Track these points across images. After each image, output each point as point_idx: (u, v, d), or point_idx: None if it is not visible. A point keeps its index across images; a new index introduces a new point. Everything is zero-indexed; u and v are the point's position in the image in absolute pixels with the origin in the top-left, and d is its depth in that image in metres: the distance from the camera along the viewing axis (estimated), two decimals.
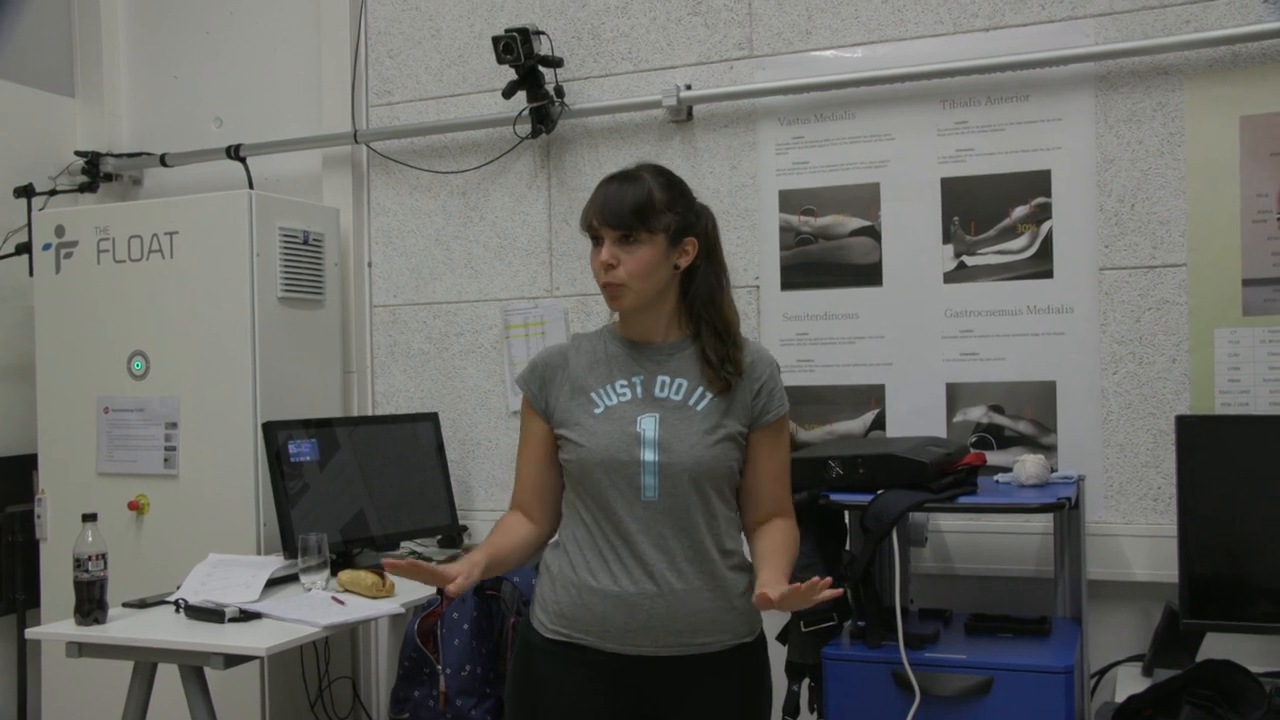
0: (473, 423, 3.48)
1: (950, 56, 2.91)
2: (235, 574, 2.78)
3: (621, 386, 2.03)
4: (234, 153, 3.65)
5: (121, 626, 2.54)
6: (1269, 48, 2.66)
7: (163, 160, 3.80)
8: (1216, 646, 2.43)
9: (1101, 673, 2.72)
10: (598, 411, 2.02)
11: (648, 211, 1.98)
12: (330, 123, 3.63)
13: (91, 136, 3.94)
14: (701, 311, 2.06)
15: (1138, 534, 2.76)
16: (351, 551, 3.09)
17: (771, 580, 1.91)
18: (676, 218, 2.01)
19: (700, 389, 2.03)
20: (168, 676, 2.52)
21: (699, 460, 1.99)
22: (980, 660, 2.36)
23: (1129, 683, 2.44)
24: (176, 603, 2.63)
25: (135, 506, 3.29)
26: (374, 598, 2.72)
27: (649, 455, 1.97)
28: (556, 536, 2.11)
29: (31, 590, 3.49)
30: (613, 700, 2.00)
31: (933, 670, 2.35)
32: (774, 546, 2.04)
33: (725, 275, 2.11)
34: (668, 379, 2.04)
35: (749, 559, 2.07)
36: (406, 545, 3.29)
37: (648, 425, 1.99)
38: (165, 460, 3.28)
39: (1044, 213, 2.86)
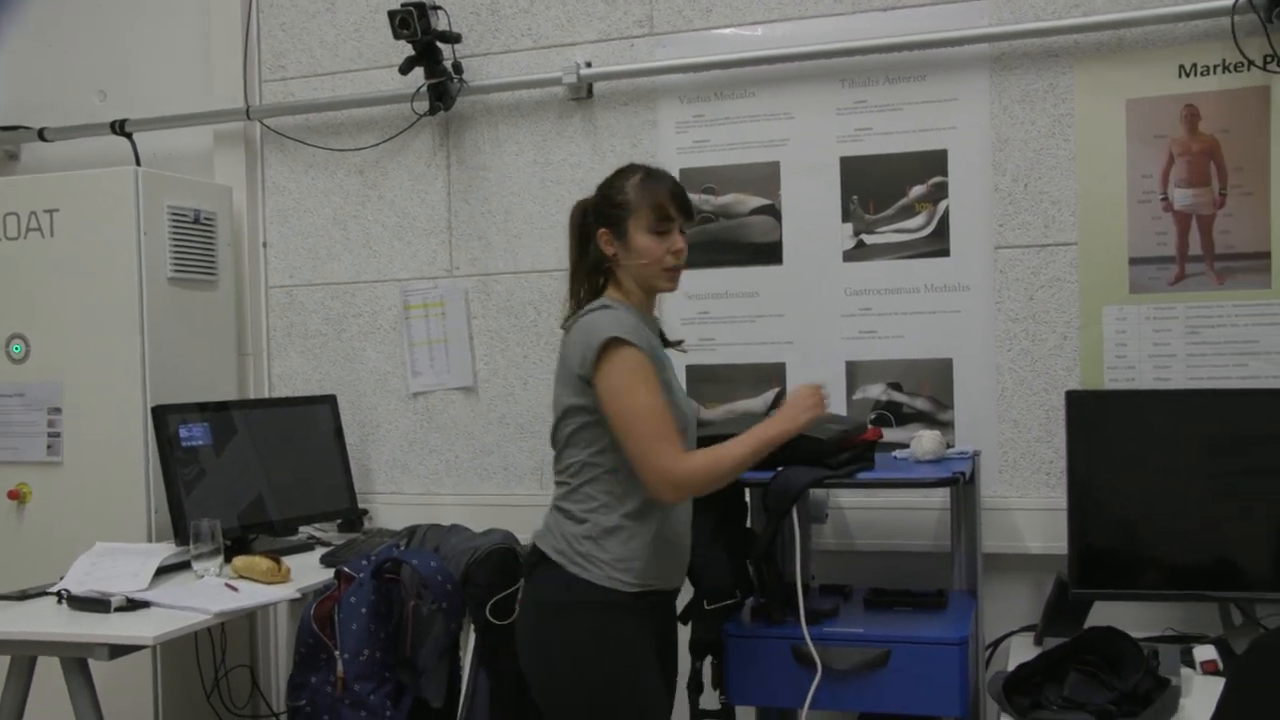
0: (372, 405, 3.42)
1: (849, 36, 2.93)
2: (123, 562, 2.69)
3: (663, 354, 2.28)
4: (119, 128, 3.52)
5: None
6: (1151, 33, 2.73)
7: (41, 134, 3.64)
8: (1104, 614, 2.50)
9: (996, 643, 2.77)
10: (673, 379, 2.28)
11: None
12: (221, 98, 3.51)
13: None
14: None
15: (1031, 507, 2.82)
16: (248, 537, 3.02)
17: None
18: None
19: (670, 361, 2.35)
20: (52, 671, 2.43)
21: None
22: (878, 634, 2.40)
23: (1022, 652, 2.49)
24: (59, 593, 2.54)
25: (15, 495, 3.17)
26: (269, 583, 2.67)
27: (690, 416, 2.31)
28: (628, 503, 2.18)
29: None
30: (664, 632, 2.31)
31: (832, 644, 2.38)
32: None
33: None
34: (666, 353, 2.33)
35: None
36: (305, 530, 3.23)
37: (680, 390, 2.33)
38: (48, 447, 3.17)
39: (941, 192, 2.90)
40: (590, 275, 2.30)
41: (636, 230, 2.21)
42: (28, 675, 2.47)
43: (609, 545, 2.17)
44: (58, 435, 3.17)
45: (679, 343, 2.46)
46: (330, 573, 2.73)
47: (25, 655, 2.44)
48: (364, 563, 2.64)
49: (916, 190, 2.91)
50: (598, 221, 2.27)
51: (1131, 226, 2.75)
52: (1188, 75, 2.72)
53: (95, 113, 3.66)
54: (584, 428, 2.18)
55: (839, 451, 2.47)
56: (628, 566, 2.17)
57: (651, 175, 2.27)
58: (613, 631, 2.16)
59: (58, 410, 3.16)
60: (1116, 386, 2.76)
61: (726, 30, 3.06)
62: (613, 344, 2.11)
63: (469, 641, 2.61)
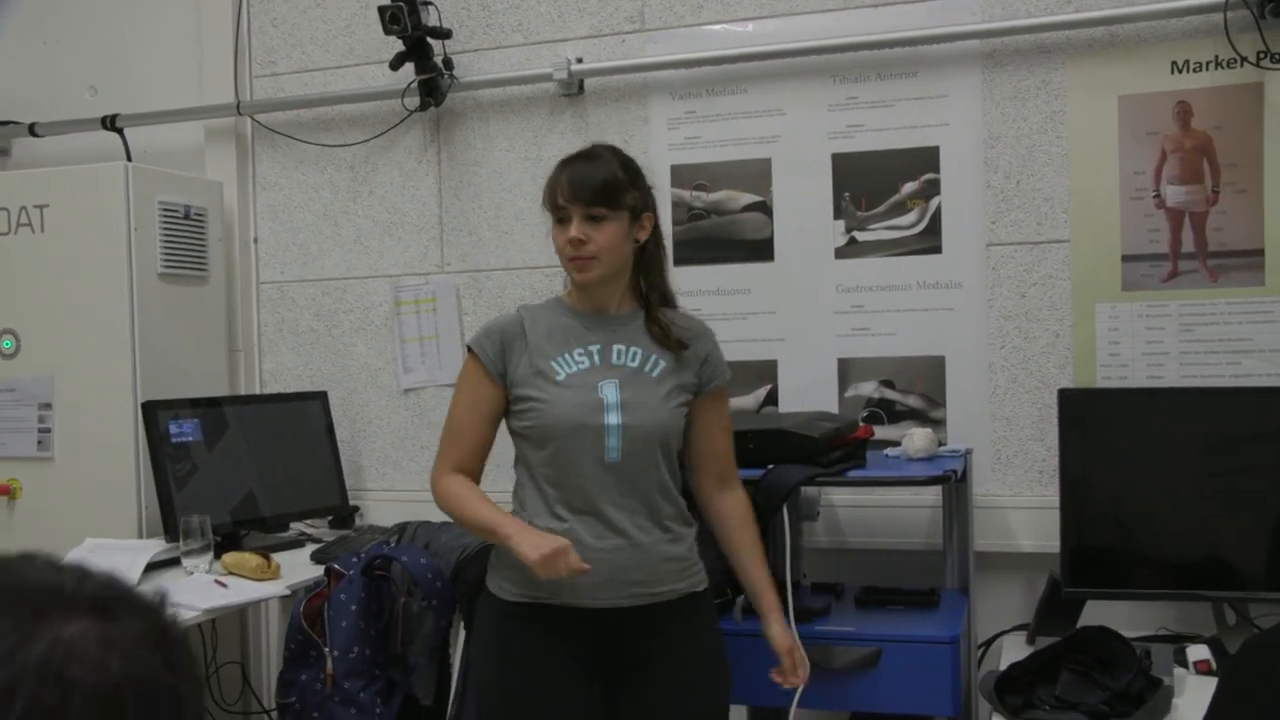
0: (363, 401, 3.41)
1: (840, 32, 2.92)
2: (113, 559, 2.66)
3: (579, 355, 2.14)
4: (110, 123, 3.51)
5: None
6: (1144, 29, 2.72)
7: (31, 129, 3.62)
8: (1096, 614, 2.49)
9: (989, 642, 2.77)
10: (559, 378, 2.11)
11: (613, 189, 2.09)
12: (212, 93, 3.50)
13: None
14: (651, 285, 2.19)
15: (1024, 506, 2.82)
16: (239, 533, 3.01)
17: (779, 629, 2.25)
18: (637, 194, 2.13)
19: (654, 357, 2.15)
20: None
21: (661, 423, 2.13)
22: (869, 632, 2.40)
23: (1014, 651, 2.48)
24: None
25: (6, 491, 3.16)
26: (259, 580, 2.66)
27: (613, 419, 2.09)
28: (521, 513, 2.16)
29: None
30: (580, 653, 2.10)
31: (823, 643, 2.38)
32: (755, 556, 2.25)
33: (665, 252, 2.25)
34: (623, 347, 2.15)
35: (687, 515, 2.22)
36: (296, 527, 3.22)
37: (609, 390, 2.10)
38: (39, 442, 3.16)
39: (933, 189, 2.89)
40: None
41: (552, 224, 2.15)
42: None
43: (500, 551, 2.15)
44: (48, 431, 3.16)
45: (681, 344, 2.17)
46: (320, 569, 2.72)
47: None
48: (354, 559, 2.63)
49: (908, 187, 2.90)
50: None
51: (1124, 224, 2.75)
52: (1180, 71, 2.71)
53: (86, 108, 3.64)
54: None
55: (830, 449, 2.47)
56: (507, 575, 2.14)
57: (562, 162, 2.16)
58: (491, 634, 2.18)
59: (48, 406, 3.15)
60: (1109, 384, 2.75)
61: (718, 26, 3.04)
62: (469, 348, 2.20)
63: (459, 639, 2.60)
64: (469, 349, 2.18)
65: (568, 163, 2.15)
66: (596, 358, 2.14)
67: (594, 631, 2.10)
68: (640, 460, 2.11)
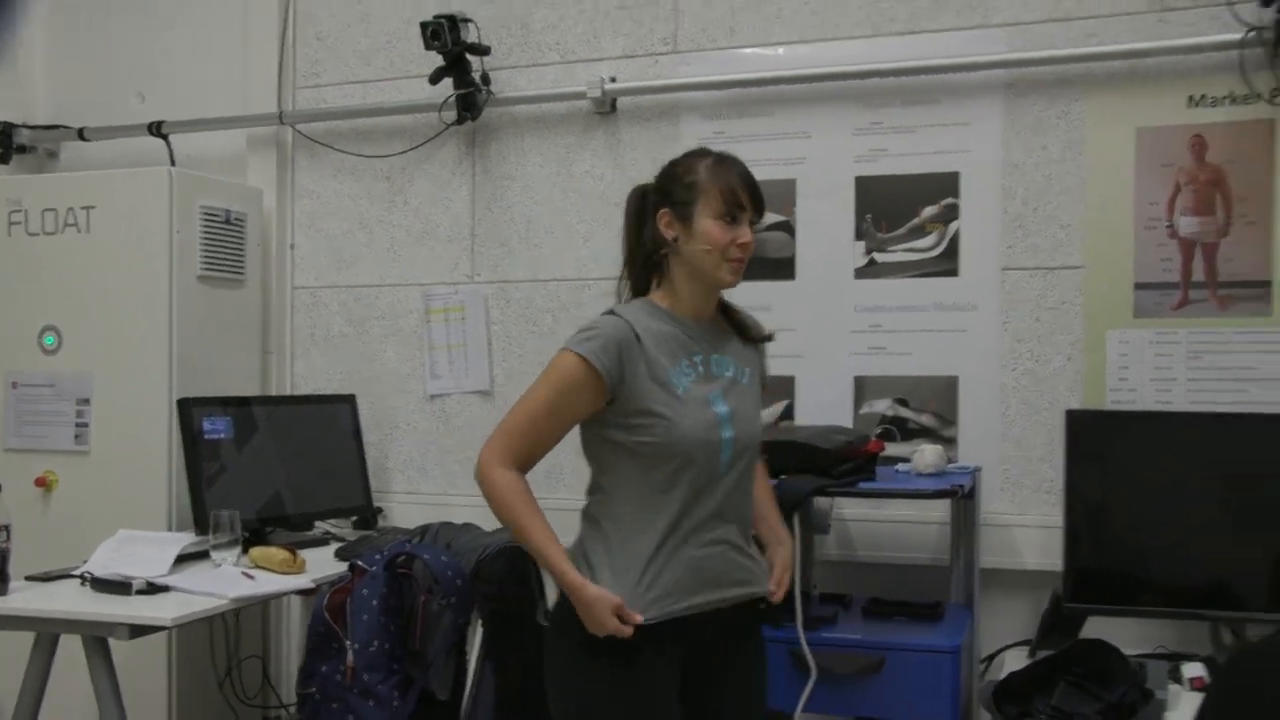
0: (391, 406, 3.50)
1: (868, 59, 3.00)
2: (145, 549, 2.76)
3: (687, 366, 2.08)
4: (156, 129, 3.62)
5: (23, 598, 2.51)
6: (1163, 64, 2.79)
7: (81, 134, 3.74)
8: (1097, 631, 2.53)
9: (992, 657, 2.82)
10: (680, 393, 2.04)
11: None
12: (256, 103, 3.61)
13: (4, 106, 3.86)
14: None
15: (1030, 524, 2.87)
16: (265, 531, 3.09)
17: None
18: None
19: (741, 365, 2.16)
20: (75, 651, 2.50)
21: (758, 433, 2.15)
22: (873, 640, 2.45)
23: (1016, 664, 2.53)
24: (82, 575, 2.61)
25: (43, 483, 3.26)
26: (284, 573, 2.74)
27: (727, 432, 2.06)
28: (602, 525, 2.08)
29: None
30: (677, 662, 2.08)
31: (829, 650, 2.43)
32: (767, 510, 2.28)
33: None
34: (719, 357, 2.13)
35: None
36: (321, 526, 3.30)
37: (719, 404, 2.08)
38: (76, 436, 3.26)
39: (952, 213, 2.96)
40: (641, 269, 2.15)
41: (704, 214, 2.05)
42: (50, 653, 2.53)
43: (600, 577, 2.09)
44: (85, 425, 3.25)
45: (768, 337, 2.25)
46: (344, 566, 2.79)
47: (48, 633, 2.51)
48: (377, 556, 2.70)
49: (928, 211, 2.97)
50: (660, 201, 2.10)
51: (1138, 252, 2.81)
52: (1196, 105, 2.77)
53: (134, 114, 3.76)
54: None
55: (841, 461, 2.54)
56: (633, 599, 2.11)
57: (725, 159, 2.11)
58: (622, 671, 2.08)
59: (86, 401, 3.25)
60: (1119, 408, 2.81)
61: (749, 50, 3.13)
62: (567, 350, 2.04)
63: (476, 637, 2.67)
64: (576, 354, 2.01)
65: (734, 165, 2.11)
66: (701, 368, 2.09)
67: (692, 636, 2.08)
68: (744, 470, 2.11)
